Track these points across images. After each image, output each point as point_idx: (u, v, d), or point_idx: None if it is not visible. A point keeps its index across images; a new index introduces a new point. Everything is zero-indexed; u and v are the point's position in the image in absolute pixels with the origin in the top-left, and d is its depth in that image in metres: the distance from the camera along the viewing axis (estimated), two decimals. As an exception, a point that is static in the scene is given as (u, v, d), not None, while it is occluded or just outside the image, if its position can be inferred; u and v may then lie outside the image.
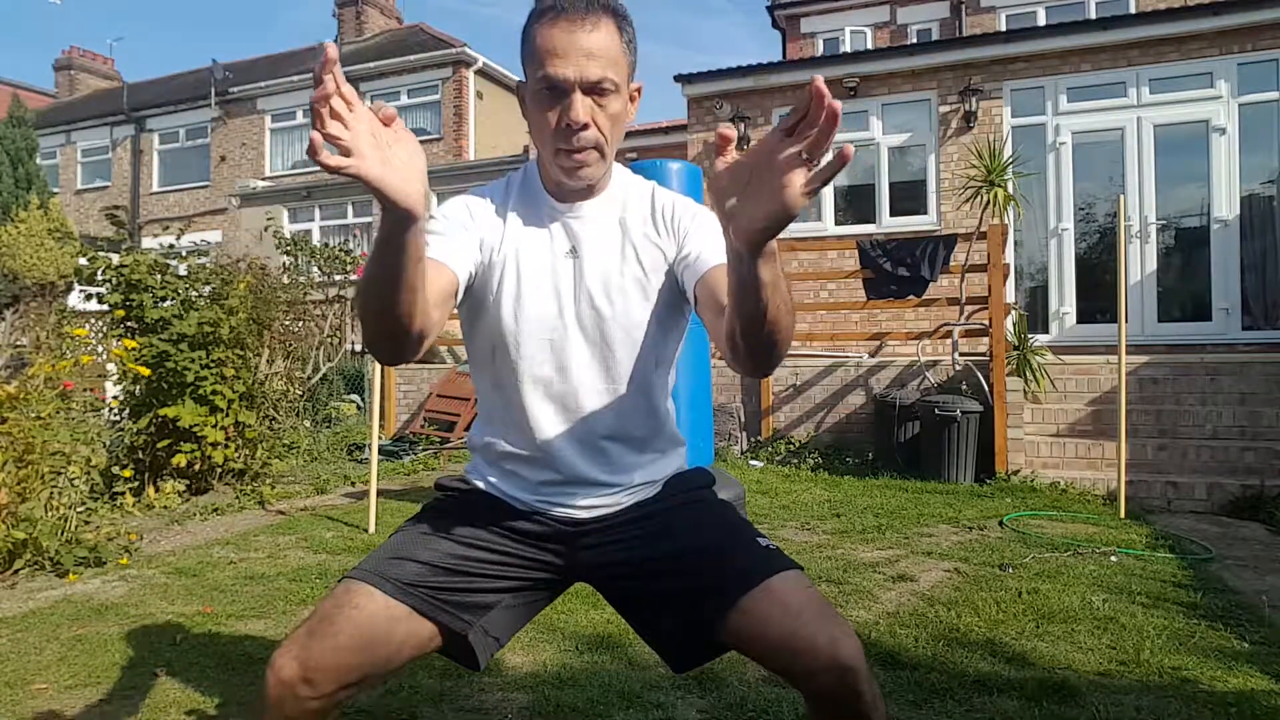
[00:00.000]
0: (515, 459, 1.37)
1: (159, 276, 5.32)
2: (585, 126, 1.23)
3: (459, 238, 1.30)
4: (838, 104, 0.80)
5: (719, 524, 1.35)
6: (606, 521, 1.37)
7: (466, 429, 7.59)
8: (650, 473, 1.41)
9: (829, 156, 0.85)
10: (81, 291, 5.75)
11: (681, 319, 1.41)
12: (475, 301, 1.36)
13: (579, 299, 1.32)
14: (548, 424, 1.34)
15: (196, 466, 5.14)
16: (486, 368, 1.38)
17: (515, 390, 1.34)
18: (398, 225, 0.97)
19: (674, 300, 1.37)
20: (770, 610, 1.17)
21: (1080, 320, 8.06)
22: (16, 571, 3.48)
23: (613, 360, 1.34)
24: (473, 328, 1.39)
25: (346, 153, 0.89)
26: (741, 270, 0.97)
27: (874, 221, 8.73)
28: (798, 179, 0.85)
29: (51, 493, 3.71)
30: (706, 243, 1.31)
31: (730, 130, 0.90)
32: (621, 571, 1.35)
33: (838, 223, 8.91)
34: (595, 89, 1.23)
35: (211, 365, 5.16)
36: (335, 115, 0.88)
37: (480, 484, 1.42)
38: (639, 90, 1.34)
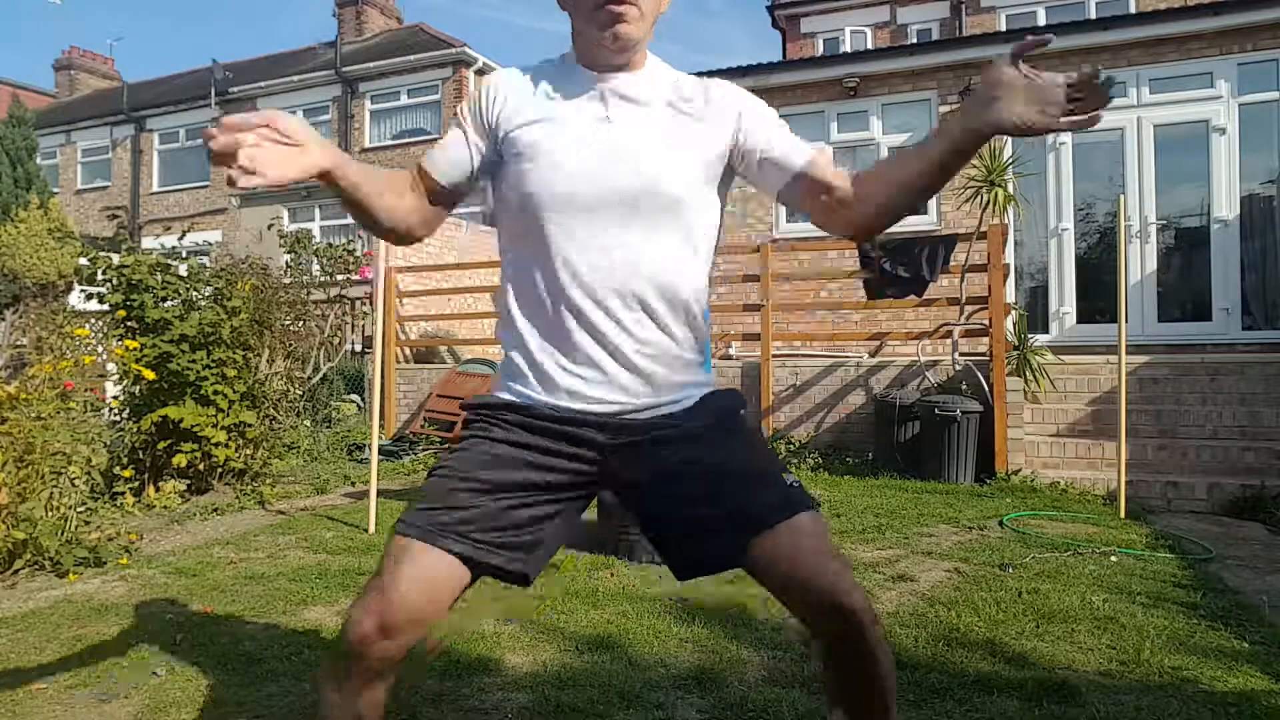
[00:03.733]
0: (547, 346, 1.35)
1: (160, 277, 5.32)
2: None
3: (462, 141, 1.40)
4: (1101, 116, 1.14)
5: (750, 455, 1.37)
6: (639, 425, 1.35)
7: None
8: (682, 375, 1.39)
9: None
10: (82, 291, 5.74)
11: (719, 201, 1.42)
12: (502, 179, 1.39)
13: (612, 167, 1.32)
14: (581, 298, 1.32)
15: (199, 466, 5.15)
16: (519, 244, 1.38)
17: (547, 263, 1.33)
18: (321, 183, 1.24)
19: (713, 180, 1.39)
20: (793, 551, 1.25)
21: (1080, 320, 8.06)
22: (16, 571, 3.48)
23: (648, 232, 1.33)
24: (503, 205, 1.40)
25: (250, 173, 1.13)
26: (963, 149, 1.21)
27: (874, 221, 8.72)
28: (1063, 120, 1.15)
29: (52, 493, 3.70)
30: (781, 138, 1.39)
31: (1041, 39, 1.16)
32: (651, 489, 1.35)
33: (838, 223, 8.90)
34: None
35: (213, 365, 5.16)
36: (226, 147, 1.13)
37: (507, 395, 1.39)
38: None
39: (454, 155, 1.40)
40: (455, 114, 1.43)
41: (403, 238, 1.41)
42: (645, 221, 1.32)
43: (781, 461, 1.40)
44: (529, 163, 1.33)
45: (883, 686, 1.27)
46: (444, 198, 1.42)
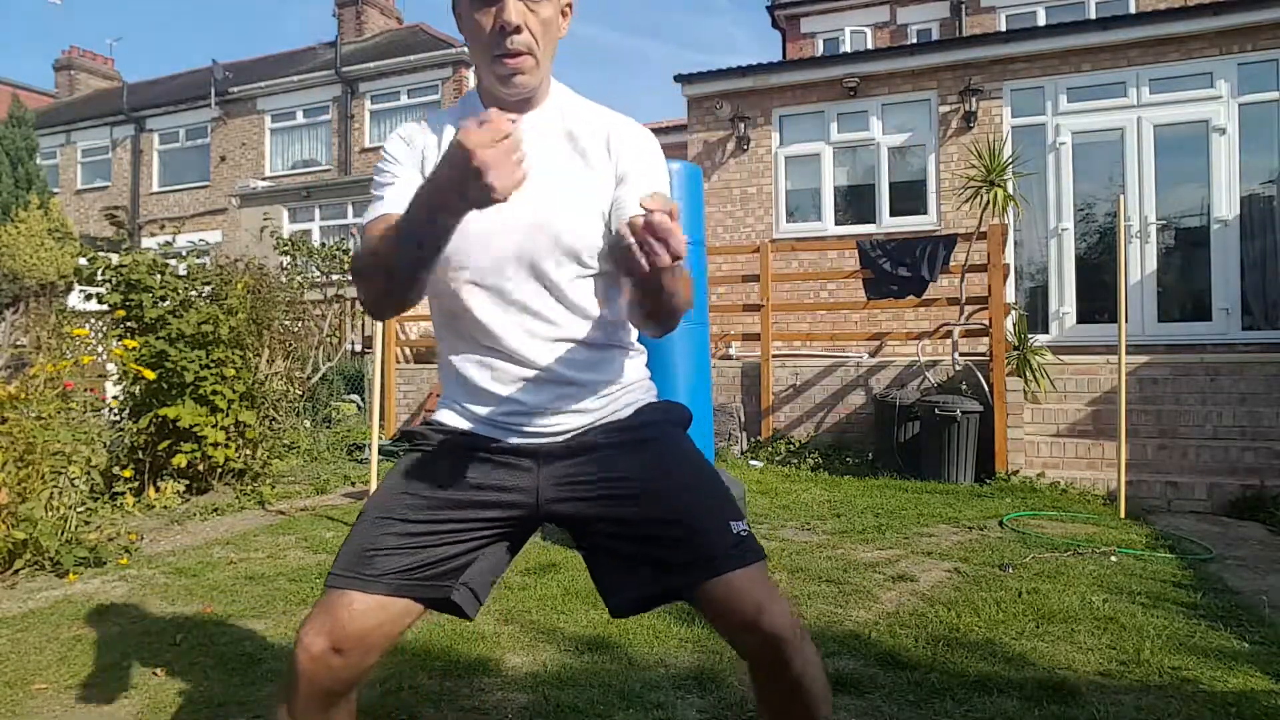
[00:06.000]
0: (478, 373, 1.37)
1: (158, 276, 5.32)
2: (518, 29, 1.26)
3: (413, 182, 1.30)
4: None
5: (694, 492, 1.35)
6: (575, 448, 1.36)
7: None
8: (609, 375, 1.39)
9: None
10: (81, 291, 5.74)
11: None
12: None
13: (517, 207, 1.26)
14: (500, 331, 1.34)
15: (199, 466, 5.15)
16: (438, 283, 1.37)
17: (464, 302, 1.34)
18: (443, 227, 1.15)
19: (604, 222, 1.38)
20: (727, 596, 1.26)
21: (1080, 320, 8.06)
22: (16, 571, 3.48)
23: (556, 262, 1.33)
24: None
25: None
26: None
27: (874, 221, 8.73)
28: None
29: (52, 493, 3.70)
30: (635, 190, 1.32)
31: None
32: (591, 528, 1.36)
33: (838, 223, 8.91)
34: None
35: (211, 365, 5.16)
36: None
37: (446, 417, 1.41)
38: (570, 5, 1.37)
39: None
40: (384, 161, 1.37)
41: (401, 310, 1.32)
42: (552, 254, 1.33)
43: (728, 499, 1.36)
44: None
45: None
46: None
